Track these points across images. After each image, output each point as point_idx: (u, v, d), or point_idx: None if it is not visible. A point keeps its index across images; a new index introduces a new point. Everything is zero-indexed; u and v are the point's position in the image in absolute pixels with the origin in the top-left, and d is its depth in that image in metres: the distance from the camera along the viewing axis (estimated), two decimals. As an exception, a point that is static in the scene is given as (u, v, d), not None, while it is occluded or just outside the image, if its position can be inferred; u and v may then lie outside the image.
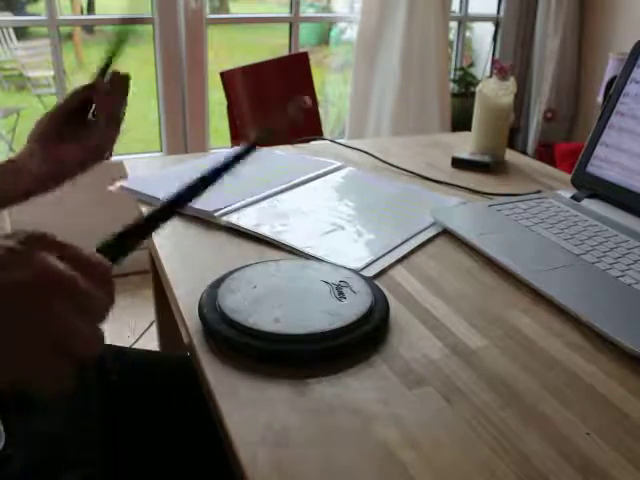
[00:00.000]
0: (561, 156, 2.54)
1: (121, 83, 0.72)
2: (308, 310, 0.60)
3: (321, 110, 2.09)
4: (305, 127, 1.96)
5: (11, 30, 4.88)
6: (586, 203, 0.92)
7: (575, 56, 2.79)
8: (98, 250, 0.37)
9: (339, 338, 0.57)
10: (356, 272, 0.70)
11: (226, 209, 0.86)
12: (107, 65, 0.74)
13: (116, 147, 0.76)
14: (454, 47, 2.91)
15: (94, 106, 0.74)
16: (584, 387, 0.55)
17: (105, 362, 0.66)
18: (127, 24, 0.71)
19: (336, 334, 0.57)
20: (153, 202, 0.90)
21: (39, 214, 2.12)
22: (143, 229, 0.42)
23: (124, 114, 0.75)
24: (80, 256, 0.32)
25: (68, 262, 0.31)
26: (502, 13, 2.77)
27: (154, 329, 1.21)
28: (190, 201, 0.44)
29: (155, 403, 0.74)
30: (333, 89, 3.73)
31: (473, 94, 1.17)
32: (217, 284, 0.64)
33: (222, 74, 1.74)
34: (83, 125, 0.74)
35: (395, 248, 0.79)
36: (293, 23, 2.45)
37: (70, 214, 2.18)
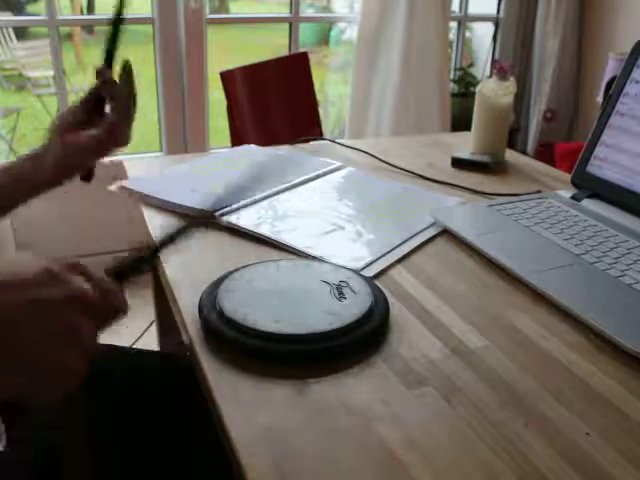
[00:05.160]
0: (561, 156, 2.54)
1: (125, 71, 0.75)
2: (308, 310, 0.60)
3: (321, 110, 2.09)
4: (305, 127, 1.96)
5: (11, 30, 4.88)
6: (586, 203, 0.92)
7: (575, 56, 2.79)
8: (109, 272, 0.47)
9: (339, 338, 0.57)
10: (356, 272, 0.70)
11: (226, 209, 0.86)
12: (110, 54, 0.75)
13: (130, 135, 0.76)
14: (454, 47, 2.91)
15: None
16: (584, 387, 0.55)
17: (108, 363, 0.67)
18: (118, 17, 0.73)
19: (336, 334, 0.57)
20: (153, 202, 0.90)
21: (40, 213, 2.12)
22: (145, 260, 0.50)
23: (135, 100, 0.76)
24: (100, 281, 0.44)
25: (91, 284, 0.42)
26: (502, 13, 2.77)
27: (154, 329, 1.21)
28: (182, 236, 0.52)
29: (155, 403, 0.74)
30: (333, 89, 3.73)
31: (473, 94, 1.17)
32: (217, 284, 0.64)
33: (222, 74, 1.73)
34: (99, 116, 0.76)
35: (395, 248, 0.79)
36: (293, 23, 2.45)
37: (70, 214, 2.18)
